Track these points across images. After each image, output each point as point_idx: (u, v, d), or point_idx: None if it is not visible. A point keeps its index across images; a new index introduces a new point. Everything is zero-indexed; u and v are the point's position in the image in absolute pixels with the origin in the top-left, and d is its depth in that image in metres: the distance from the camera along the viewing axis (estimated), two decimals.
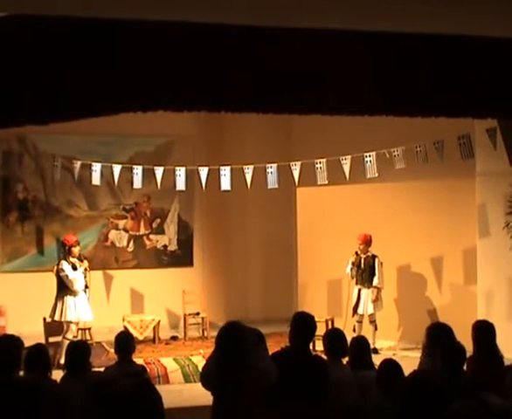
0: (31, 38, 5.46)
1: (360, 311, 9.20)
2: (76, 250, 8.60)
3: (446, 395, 3.31)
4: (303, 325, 4.66)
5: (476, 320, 5.82)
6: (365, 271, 9.20)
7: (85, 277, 8.56)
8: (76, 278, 8.38)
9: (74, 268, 8.48)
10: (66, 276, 8.35)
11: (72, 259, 8.53)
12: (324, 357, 5.05)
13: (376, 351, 8.61)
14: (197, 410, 6.26)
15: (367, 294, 9.20)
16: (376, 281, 9.16)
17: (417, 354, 5.63)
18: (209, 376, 4.25)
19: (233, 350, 4.12)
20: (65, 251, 8.61)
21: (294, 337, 4.61)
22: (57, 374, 5.06)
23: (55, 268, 8.55)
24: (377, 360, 4.88)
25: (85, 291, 8.55)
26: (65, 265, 8.42)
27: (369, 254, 9.24)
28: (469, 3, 5.13)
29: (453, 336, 5.11)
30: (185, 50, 5.63)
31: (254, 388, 4.09)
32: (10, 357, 4.52)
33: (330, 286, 10.20)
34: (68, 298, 8.35)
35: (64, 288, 8.38)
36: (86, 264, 8.60)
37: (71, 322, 8.35)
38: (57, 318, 8.38)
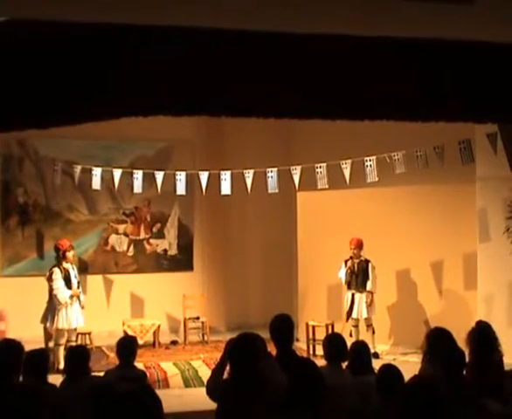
0: (31, 43, 5.47)
1: (354, 315, 9.22)
2: (70, 254, 8.54)
3: (447, 401, 3.30)
4: (280, 326, 4.56)
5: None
6: (359, 276, 9.22)
7: (78, 297, 8.49)
8: (63, 297, 8.30)
9: (66, 276, 8.42)
10: (53, 288, 8.30)
11: (65, 265, 8.49)
12: (324, 361, 5.04)
13: (376, 355, 8.59)
14: (197, 415, 6.25)
15: (361, 298, 9.21)
16: (369, 286, 9.19)
17: (417, 359, 5.64)
18: (217, 388, 4.13)
19: (248, 363, 4.02)
20: (58, 256, 8.54)
21: (276, 342, 4.51)
22: (54, 379, 5.06)
23: (47, 274, 8.50)
24: (377, 364, 4.88)
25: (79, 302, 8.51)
26: (57, 274, 8.35)
27: (362, 258, 9.27)
28: (468, 9, 5.13)
29: (453, 341, 5.10)
30: (185, 54, 5.64)
31: (267, 401, 4.00)
32: (11, 362, 4.52)
33: (330, 291, 10.19)
34: (61, 307, 8.33)
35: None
36: (78, 292, 8.48)
37: (60, 329, 8.31)
38: (48, 324, 8.35)
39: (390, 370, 4.44)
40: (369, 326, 9.21)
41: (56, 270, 8.43)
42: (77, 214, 10.92)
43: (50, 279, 8.36)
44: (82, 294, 8.66)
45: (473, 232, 8.91)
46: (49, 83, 5.59)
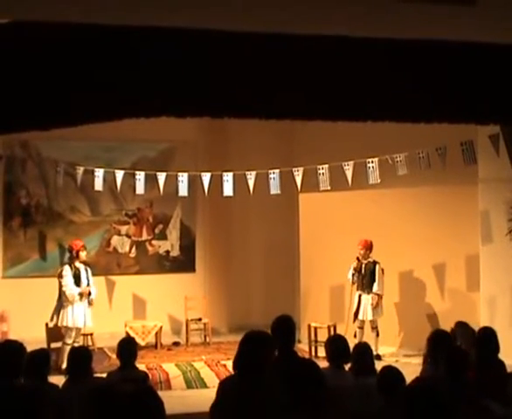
0: (34, 45, 5.47)
1: (360, 316, 9.18)
2: (83, 254, 8.65)
3: (449, 402, 3.30)
4: (281, 327, 4.53)
5: (479, 328, 5.81)
6: (365, 277, 9.18)
7: (88, 296, 8.54)
8: (71, 294, 8.35)
9: (76, 274, 8.47)
10: (62, 285, 8.35)
11: (77, 264, 8.56)
12: (326, 363, 5.03)
13: (379, 357, 8.58)
14: (199, 416, 6.24)
15: (367, 300, 9.18)
16: (375, 287, 9.14)
17: (419, 361, 5.63)
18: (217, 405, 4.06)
19: (256, 361, 3.96)
20: (71, 256, 8.64)
21: (278, 343, 4.48)
22: (58, 380, 5.06)
23: (59, 271, 8.58)
24: (379, 366, 4.87)
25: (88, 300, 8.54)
26: (67, 271, 8.42)
27: (369, 260, 9.22)
28: (470, 10, 5.13)
29: (455, 343, 5.10)
30: (187, 56, 5.65)
31: (270, 402, 3.96)
32: (12, 362, 4.52)
33: (333, 292, 10.19)
34: (67, 304, 8.37)
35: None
36: (87, 289, 8.55)
37: (68, 327, 8.36)
38: (54, 322, 8.42)
39: (391, 372, 4.44)
40: (373, 328, 9.18)
41: (66, 267, 8.52)
42: (79, 215, 10.94)
43: (60, 276, 8.44)
44: (93, 292, 8.66)
45: (476, 234, 8.90)
46: (51, 84, 5.59)
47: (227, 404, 3.91)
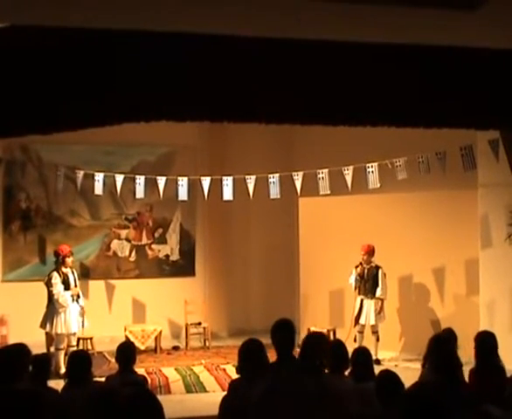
0: (34, 49, 5.49)
1: (362, 321, 9.17)
2: (69, 260, 8.62)
3: (447, 407, 3.30)
4: (281, 331, 4.55)
5: (478, 332, 5.81)
6: (368, 282, 9.18)
7: (78, 298, 8.55)
8: (64, 300, 8.37)
9: (65, 280, 8.46)
10: (54, 293, 8.35)
11: (64, 270, 8.55)
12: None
13: (378, 362, 8.58)
14: None
15: (369, 305, 9.17)
16: (379, 292, 9.13)
17: (419, 366, 5.62)
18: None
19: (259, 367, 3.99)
20: (58, 261, 8.61)
21: (277, 347, 4.48)
22: (55, 384, 5.05)
23: (45, 278, 8.55)
24: (378, 371, 4.86)
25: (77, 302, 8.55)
26: (57, 279, 8.40)
27: (372, 264, 9.22)
28: (471, 15, 5.15)
29: (452, 348, 5.09)
30: (186, 60, 5.66)
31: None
32: (17, 366, 4.53)
33: (332, 297, 10.19)
34: (61, 310, 8.37)
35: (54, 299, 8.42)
36: (77, 290, 8.59)
37: (61, 334, 8.35)
38: (47, 329, 8.40)
39: (388, 376, 4.43)
40: (374, 332, 9.17)
41: (55, 274, 8.49)
42: (79, 219, 10.94)
43: (49, 284, 8.42)
44: (82, 299, 8.71)
45: (475, 238, 8.90)
46: (52, 88, 5.60)
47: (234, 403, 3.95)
